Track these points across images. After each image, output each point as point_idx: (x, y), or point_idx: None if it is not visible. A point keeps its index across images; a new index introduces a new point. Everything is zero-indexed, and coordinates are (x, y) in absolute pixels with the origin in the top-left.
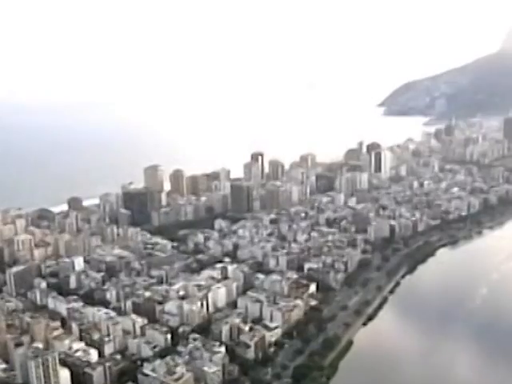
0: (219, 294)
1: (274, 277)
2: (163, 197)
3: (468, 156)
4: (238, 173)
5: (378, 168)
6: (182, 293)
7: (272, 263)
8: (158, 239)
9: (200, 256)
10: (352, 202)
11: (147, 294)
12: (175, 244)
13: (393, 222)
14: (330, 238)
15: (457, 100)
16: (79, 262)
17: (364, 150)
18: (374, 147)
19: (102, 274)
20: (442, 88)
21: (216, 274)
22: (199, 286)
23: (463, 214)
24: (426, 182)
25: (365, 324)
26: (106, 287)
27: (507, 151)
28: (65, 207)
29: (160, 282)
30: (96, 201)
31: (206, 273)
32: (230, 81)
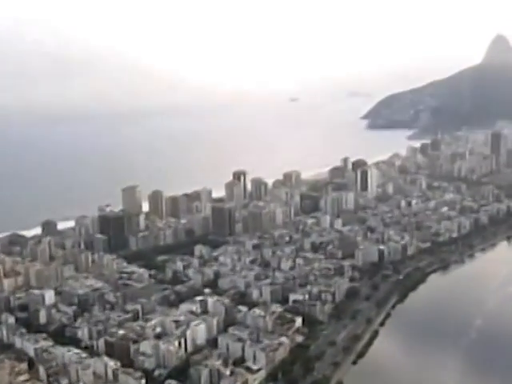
0: (198, 332)
1: (258, 311)
2: (141, 219)
3: (456, 172)
4: (219, 192)
5: (365, 186)
6: (158, 329)
7: (255, 294)
8: (134, 267)
9: (179, 287)
10: (338, 223)
11: (121, 331)
12: (153, 272)
13: (381, 246)
14: (315, 265)
15: (441, 113)
16: (50, 295)
17: (349, 166)
18: (359, 164)
19: (74, 308)
20: (426, 100)
21: (195, 307)
22: (177, 322)
23: (454, 235)
24: (413, 201)
25: (355, 363)
26: (77, 324)
27: (495, 167)
28: (39, 231)
29: (135, 318)
30: (72, 223)
31: (185, 307)
32: (213, 91)
